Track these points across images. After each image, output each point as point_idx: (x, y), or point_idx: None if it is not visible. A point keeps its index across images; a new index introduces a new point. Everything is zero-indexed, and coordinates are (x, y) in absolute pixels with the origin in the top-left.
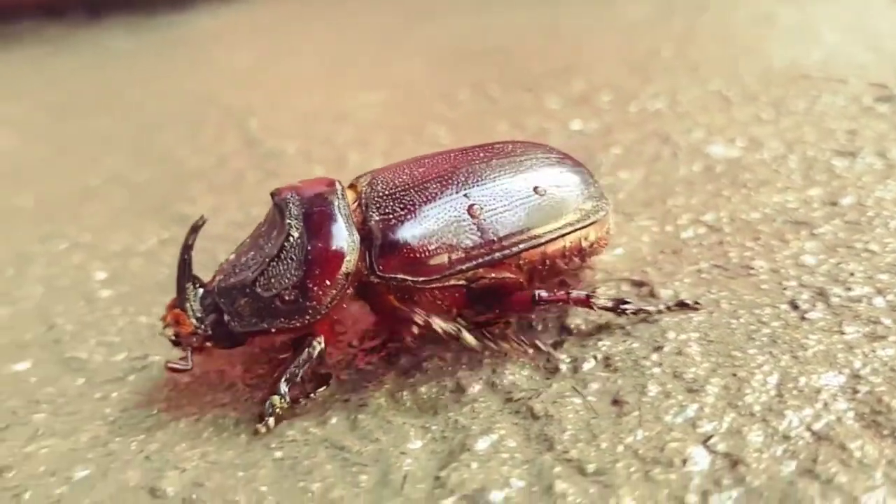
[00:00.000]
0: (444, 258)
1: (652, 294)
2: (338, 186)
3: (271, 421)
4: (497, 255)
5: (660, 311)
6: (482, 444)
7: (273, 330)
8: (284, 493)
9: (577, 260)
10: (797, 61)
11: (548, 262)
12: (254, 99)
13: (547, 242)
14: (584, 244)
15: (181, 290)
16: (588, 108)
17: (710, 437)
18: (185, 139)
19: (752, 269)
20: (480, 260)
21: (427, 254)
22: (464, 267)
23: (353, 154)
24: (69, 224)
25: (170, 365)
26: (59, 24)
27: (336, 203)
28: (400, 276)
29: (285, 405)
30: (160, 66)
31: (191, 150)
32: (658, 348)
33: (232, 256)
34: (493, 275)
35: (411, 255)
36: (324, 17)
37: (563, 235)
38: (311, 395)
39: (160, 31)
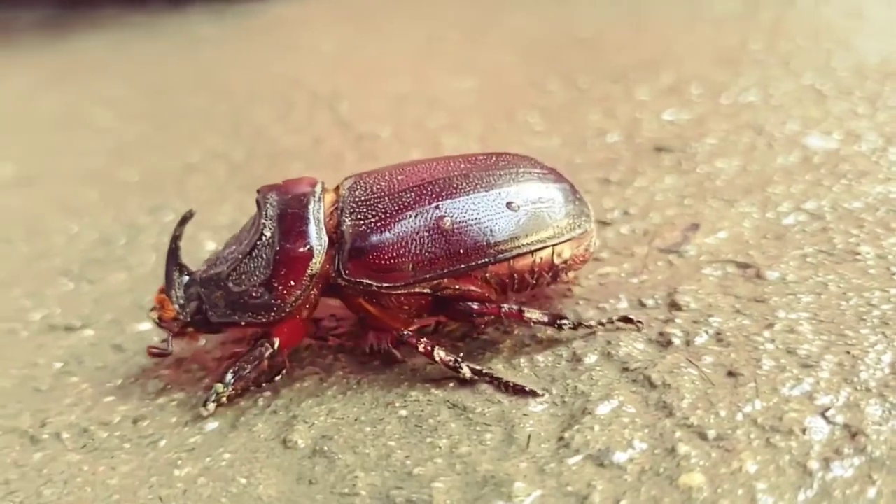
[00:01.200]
0: (408, 267)
1: (758, 276)
2: (317, 189)
3: (211, 406)
4: (461, 267)
5: (601, 325)
6: (602, 409)
7: (242, 323)
8: (412, 447)
9: (547, 276)
10: (890, 57)
11: (516, 276)
12: (341, 83)
13: (514, 258)
14: (557, 261)
15: (168, 276)
16: (678, 99)
17: (827, 409)
18: (278, 120)
19: (859, 254)
20: (444, 271)
21: (392, 262)
22: (427, 276)
23: (448, 138)
24: (175, 197)
25: (151, 348)
26: (142, 11)
27: (311, 206)
28: (365, 281)
29: (228, 392)
30: (246, 51)
31: (284, 130)
32: (769, 325)
33: (219, 248)
34: (457, 286)
35: (376, 262)
36: (405, 5)
37: (532, 252)
38: (263, 384)
39: (242, 18)
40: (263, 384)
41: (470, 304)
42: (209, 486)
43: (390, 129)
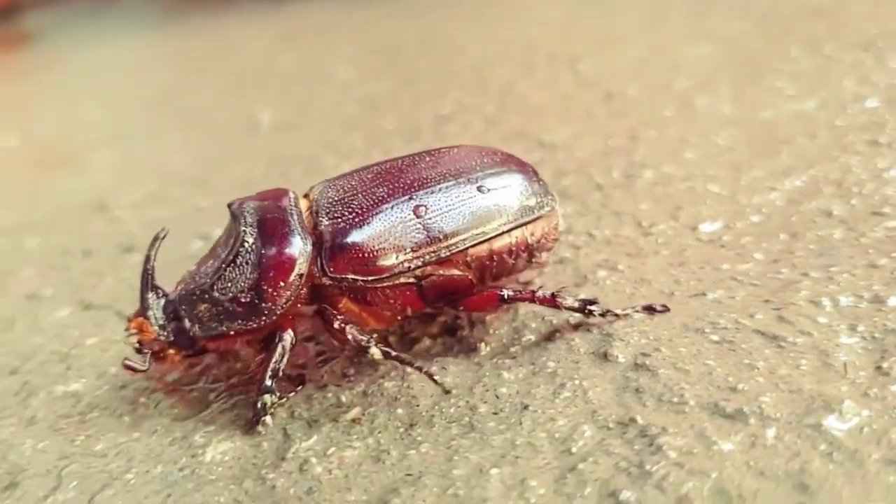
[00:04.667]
0: (391, 257)
1: None
2: (291, 195)
3: (269, 419)
4: (444, 252)
5: (626, 314)
6: None
7: (232, 332)
8: (730, 367)
9: (524, 255)
10: None
11: (495, 258)
12: (576, 47)
13: (492, 238)
14: (531, 240)
15: (144, 298)
16: None
17: None
18: (522, 78)
19: None
20: (427, 258)
21: (374, 254)
22: (411, 265)
23: (699, 99)
24: (435, 143)
25: (126, 362)
26: None
27: (289, 210)
28: (350, 276)
29: (276, 400)
30: (472, 15)
31: (530, 87)
32: None
33: (193, 267)
34: (441, 272)
35: (359, 255)
36: None
37: (508, 231)
38: (284, 398)
39: None
40: (285, 398)
41: (504, 291)
42: (540, 388)
43: (637, 89)
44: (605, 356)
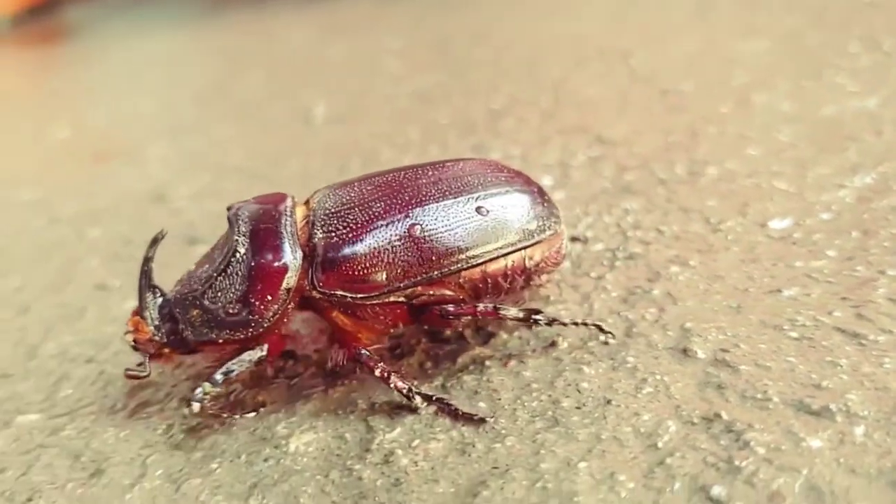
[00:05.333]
0: (381, 276)
1: None
2: (288, 203)
3: (196, 406)
4: (435, 273)
5: (575, 324)
6: None
7: (220, 341)
8: (812, 364)
9: (520, 279)
10: None
11: (489, 280)
12: (626, 41)
13: (486, 262)
14: (529, 264)
15: (142, 298)
16: None
17: None
18: (574, 72)
19: None
20: (418, 278)
21: (365, 272)
22: (402, 285)
23: (757, 95)
24: (491, 137)
25: (128, 371)
26: None
27: (282, 220)
28: (339, 292)
29: (214, 393)
30: (520, 9)
31: (584, 82)
32: None
33: (192, 267)
34: (431, 292)
35: (350, 272)
36: None
37: (503, 255)
38: (237, 416)
39: None
40: (238, 416)
41: (445, 307)
42: (622, 383)
43: (692, 85)
44: (684, 352)
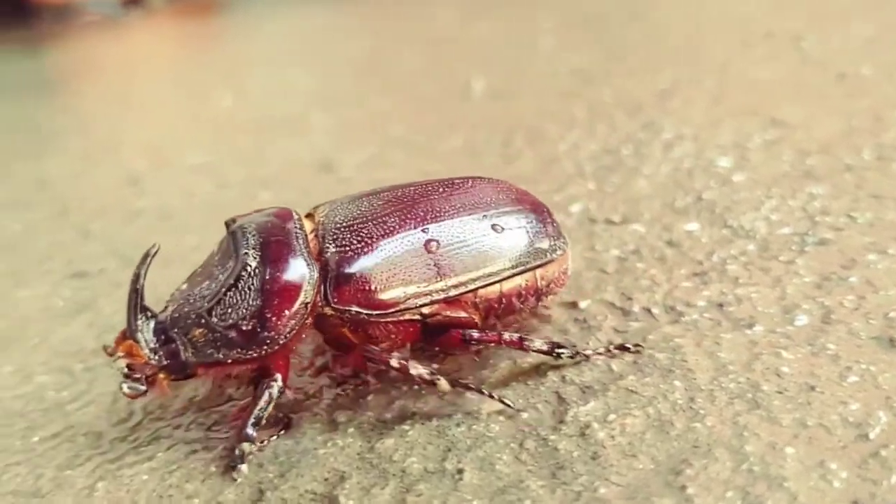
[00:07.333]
0: (399, 293)
1: None
2: (295, 216)
3: (244, 468)
4: (453, 291)
5: (598, 354)
6: None
7: (229, 361)
8: None
9: (532, 299)
10: None
11: (504, 300)
12: (795, 23)
13: (503, 280)
14: (541, 283)
15: (133, 320)
16: None
17: None
18: (739, 53)
19: None
20: (436, 296)
21: (382, 288)
22: (419, 302)
23: None
24: (662, 116)
25: (125, 391)
26: None
27: (294, 233)
28: (354, 309)
29: (254, 448)
30: None
31: (749, 63)
32: None
33: (183, 286)
34: (448, 312)
35: (366, 288)
36: None
37: (520, 273)
38: (265, 441)
39: None
40: (265, 441)
41: (469, 332)
42: (824, 370)
43: (871, 69)
44: (891, 342)
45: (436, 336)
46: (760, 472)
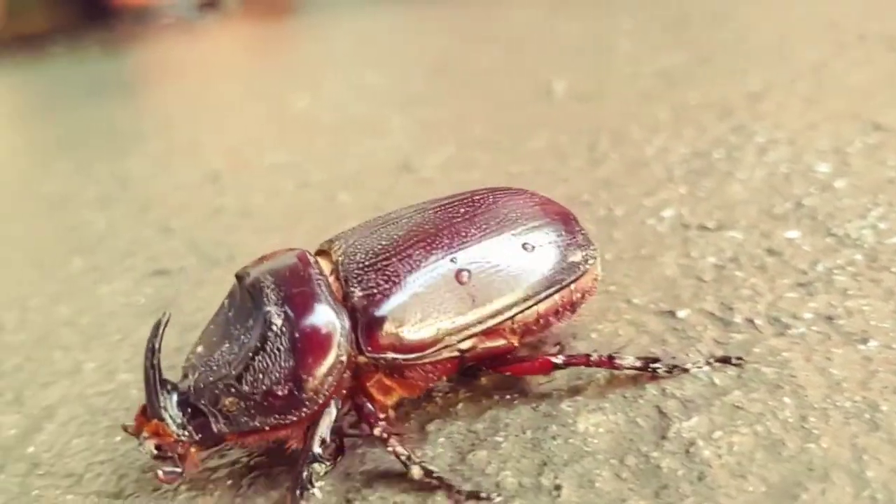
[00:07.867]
0: (434, 332)
1: None
2: (311, 259)
3: (317, 491)
4: (490, 322)
5: (698, 367)
6: None
7: (268, 428)
8: None
9: (568, 314)
10: None
11: (541, 321)
12: (889, 24)
13: (540, 301)
14: (576, 297)
15: (154, 400)
16: None
17: None
18: (832, 57)
19: None
20: (474, 329)
21: (417, 329)
22: (457, 339)
23: None
24: (752, 121)
25: (161, 476)
26: None
27: (315, 279)
28: (390, 355)
29: (326, 468)
30: None
31: (845, 68)
32: None
33: (199, 349)
34: (486, 343)
35: (399, 331)
36: None
37: (557, 292)
38: (332, 464)
39: None
40: (332, 465)
41: (552, 357)
42: None
43: None
44: None
45: (517, 364)
46: (885, 501)
